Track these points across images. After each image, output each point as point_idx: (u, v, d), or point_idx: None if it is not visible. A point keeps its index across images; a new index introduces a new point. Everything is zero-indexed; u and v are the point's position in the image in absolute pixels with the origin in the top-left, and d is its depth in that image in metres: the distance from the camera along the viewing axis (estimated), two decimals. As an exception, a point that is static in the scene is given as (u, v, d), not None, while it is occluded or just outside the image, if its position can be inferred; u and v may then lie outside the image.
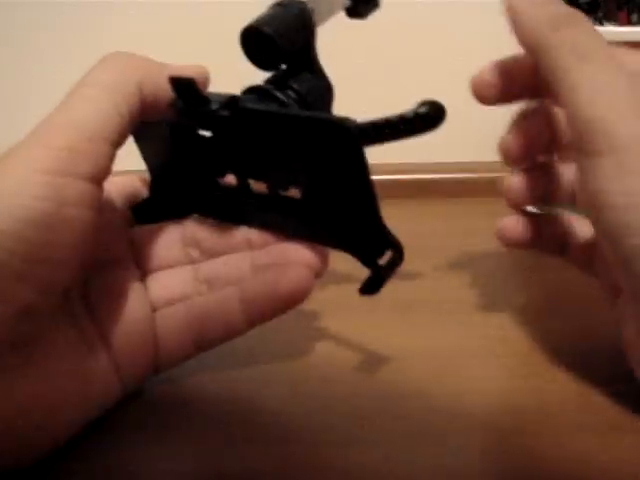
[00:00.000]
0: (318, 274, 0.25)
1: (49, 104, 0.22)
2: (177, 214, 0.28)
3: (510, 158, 0.27)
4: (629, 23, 0.46)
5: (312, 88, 0.26)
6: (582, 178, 0.22)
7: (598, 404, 0.25)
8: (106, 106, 0.22)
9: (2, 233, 0.19)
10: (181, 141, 0.27)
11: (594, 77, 0.22)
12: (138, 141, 0.28)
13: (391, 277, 0.25)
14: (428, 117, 0.21)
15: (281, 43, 0.25)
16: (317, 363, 0.29)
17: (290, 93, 0.26)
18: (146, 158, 0.29)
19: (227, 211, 0.27)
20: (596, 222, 0.22)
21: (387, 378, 0.27)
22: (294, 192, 0.26)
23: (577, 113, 0.22)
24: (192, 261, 0.27)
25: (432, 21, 0.51)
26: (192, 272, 0.27)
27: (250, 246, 0.26)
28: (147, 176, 0.29)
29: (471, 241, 0.40)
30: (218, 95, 0.24)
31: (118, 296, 0.25)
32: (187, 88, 0.23)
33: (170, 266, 0.27)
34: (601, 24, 0.46)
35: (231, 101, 0.24)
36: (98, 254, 0.25)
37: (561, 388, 0.26)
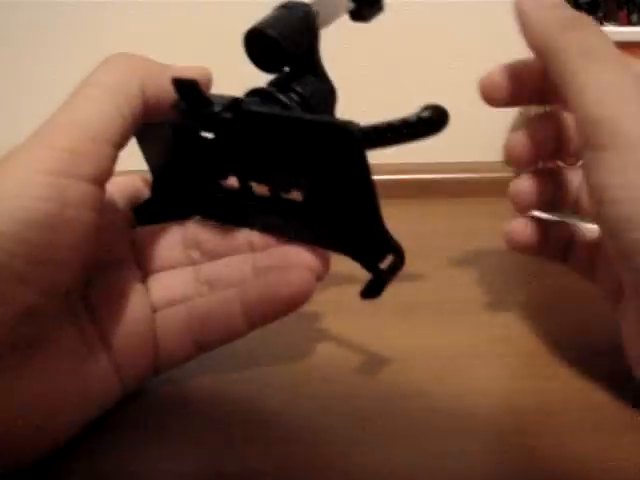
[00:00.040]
0: (319, 277, 0.25)
1: (49, 104, 0.22)
2: (179, 215, 0.28)
3: (514, 159, 0.27)
4: (629, 23, 0.46)
5: (315, 91, 0.26)
6: (585, 172, 0.22)
7: (600, 403, 0.25)
8: (109, 107, 0.22)
9: (2, 235, 0.19)
10: (183, 143, 0.27)
11: (601, 77, 0.22)
12: (140, 142, 0.28)
13: (392, 281, 0.25)
14: (431, 121, 0.21)
15: (285, 46, 0.25)
16: (318, 364, 0.29)
17: (293, 96, 0.26)
18: (148, 159, 0.29)
19: (229, 213, 0.27)
20: (598, 216, 0.23)
21: (388, 379, 0.27)
22: (296, 195, 0.26)
23: (585, 114, 0.22)
24: (193, 262, 0.27)
25: (435, 22, 0.51)
26: (193, 273, 0.27)
27: (252, 248, 0.26)
28: (149, 176, 0.29)
29: (473, 241, 0.41)
30: (221, 97, 0.24)
31: (119, 297, 0.25)
32: (190, 90, 0.23)
33: (171, 267, 0.27)
34: (601, 24, 0.46)
35: (234, 103, 0.24)
36: (99, 255, 0.24)
37: (563, 387, 0.26)
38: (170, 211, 0.28)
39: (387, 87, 0.51)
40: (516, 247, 0.28)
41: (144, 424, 0.25)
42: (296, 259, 0.25)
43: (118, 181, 0.27)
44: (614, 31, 0.44)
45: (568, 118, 0.27)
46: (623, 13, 0.46)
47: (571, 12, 0.24)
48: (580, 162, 0.27)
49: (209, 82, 0.25)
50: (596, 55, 0.22)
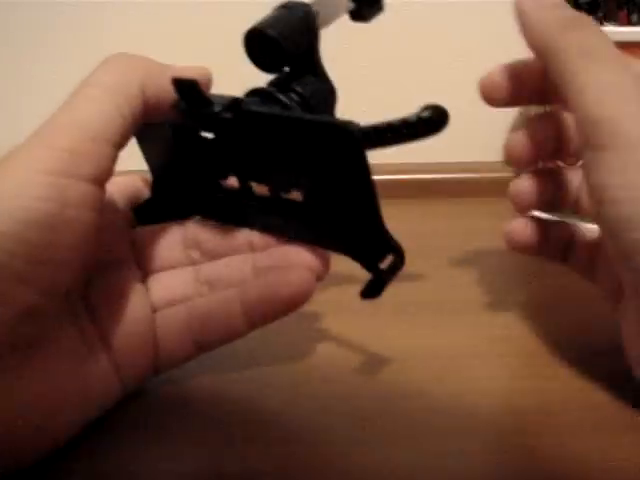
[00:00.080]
0: (319, 277, 0.25)
1: (49, 104, 0.22)
2: (179, 215, 0.28)
3: (514, 159, 0.27)
4: (629, 23, 0.46)
5: (315, 91, 0.26)
6: (585, 172, 0.22)
7: (600, 403, 0.25)
8: (108, 107, 0.22)
9: (2, 235, 0.19)
10: (183, 143, 0.27)
11: (601, 77, 0.22)
12: (140, 142, 0.28)
13: (392, 281, 0.25)
14: (431, 121, 0.21)
15: (285, 46, 0.25)
16: (318, 364, 0.29)
17: (293, 96, 0.26)
18: (148, 159, 0.29)
19: (229, 213, 0.27)
20: (598, 216, 0.23)
21: (388, 379, 0.27)
22: (296, 195, 0.26)
23: (585, 114, 0.22)
24: (193, 262, 0.27)
25: (435, 22, 0.51)
26: (193, 273, 0.27)
27: (252, 248, 0.26)
28: (149, 176, 0.29)
29: (473, 241, 0.41)
30: (221, 97, 0.24)
31: (119, 297, 0.25)
32: (190, 90, 0.23)
33: (171, 267, 0.27)
34: (601, 24, 0.46)
35: (234, 103, 0.24)
36: (99, 255, 0.24)
37: (563, 387, 0.26)
38: (170, 211, 0.28)
39: (387, 87, 0.51)
40: (516, 247, 0.28)
41: (144, 424, 0.25)
42: (296, 259, 0.25)
43: (118, 181, 0.27)
44: (614, 31, 0.44)
45: (568, 118, 0.27)
46: (623, 13, 0.46)
47: (571, 12, 0.24)
48: (580, 162, 0.27)
49: (209, 82, 0.25)
50: (596, 55, 0.22)
